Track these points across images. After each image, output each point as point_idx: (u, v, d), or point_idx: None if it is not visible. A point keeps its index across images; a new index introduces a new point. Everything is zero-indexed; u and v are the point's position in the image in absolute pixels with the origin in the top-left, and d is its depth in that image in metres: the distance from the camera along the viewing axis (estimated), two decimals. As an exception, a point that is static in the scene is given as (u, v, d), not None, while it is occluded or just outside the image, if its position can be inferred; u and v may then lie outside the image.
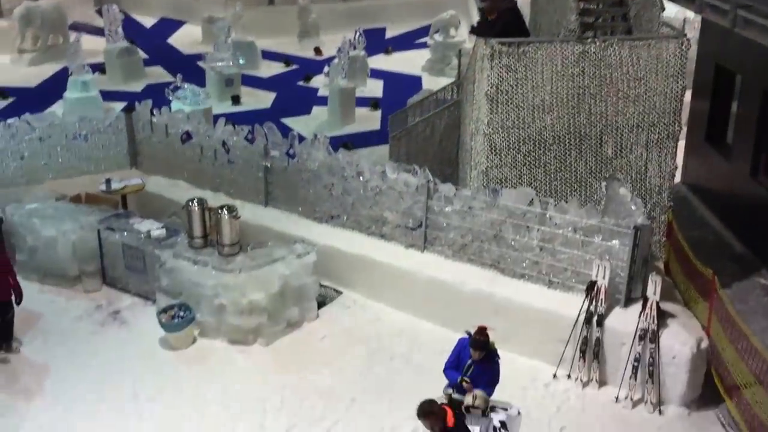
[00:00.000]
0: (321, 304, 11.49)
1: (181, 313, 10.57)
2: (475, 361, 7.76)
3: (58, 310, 11.45)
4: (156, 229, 11.74)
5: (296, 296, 10.99)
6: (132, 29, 24.09)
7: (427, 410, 6.77)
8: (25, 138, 13.56)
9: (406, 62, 22.75)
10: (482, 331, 7.80)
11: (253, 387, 9.73)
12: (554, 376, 9.95)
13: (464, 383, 7.73)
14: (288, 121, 17.59)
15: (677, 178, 12.10)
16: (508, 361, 8.78)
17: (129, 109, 14.75)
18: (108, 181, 13.36)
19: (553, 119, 11.06)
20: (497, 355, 7.87)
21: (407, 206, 11.44)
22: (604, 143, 11.30)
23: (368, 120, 18.38)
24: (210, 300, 10.59)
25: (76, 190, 13.23)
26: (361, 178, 11.79)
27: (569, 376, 9.90)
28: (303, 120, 18.36)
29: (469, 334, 7.85)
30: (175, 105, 16.77)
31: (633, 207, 10.06)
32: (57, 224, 11.96)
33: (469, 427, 7.14)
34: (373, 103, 19.44)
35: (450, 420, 6.76)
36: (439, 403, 7.45)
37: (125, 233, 11.78)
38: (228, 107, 19.00)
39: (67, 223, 12.02)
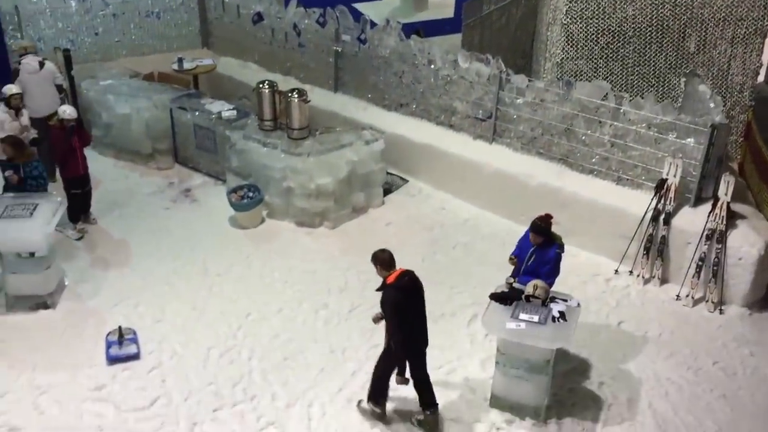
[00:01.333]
0: (387, 192, 11.62)
1: (250, 194, 10.82)
2: (536, 250, 7.84)
3: (133, 186, 11.85)
4: (227, 110, 11.88)
5: (363, 182, 11.12)
6: None
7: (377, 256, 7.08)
8: (99, 14, 13.71)
9: (482, -53, 21.85)
10: (545, 218, 7.85)
11: (318, 267, 10.01)
12: (616, 271, 9.95)
13: (510, 260, 8.01)
14: (360, 6, 17.25)
15: (761, 77, 11.56)
16: (571, 255, 8.81)
17: (201, -12, 14.70)
18: (180, 61, 13.48)
19: (635, 10, 10.62)
20: (559, 248, 7.90)
21: (478, 96, 11.28)
22: (686, 37, 10.85)
23: (441, 7, 17.89)
24: (278, 182, 10.78)
25: (148, 68, 13.39)
26: (432, 66, 11.62)
27: (631, 273, 9.89)
28: (375, 5, 17.97)
29: None
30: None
31: (712, 105, 9.71)
32: (131, 102, 12.20)
33: (527, 315, 7.27)
34: (446, -11, 18.86)
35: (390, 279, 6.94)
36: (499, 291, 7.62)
37: (197, 113, 11.96)
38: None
39: (141, 100, 12.25)
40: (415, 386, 7.40)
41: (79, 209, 10.57)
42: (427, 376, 7.40)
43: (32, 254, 8.91)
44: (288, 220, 10.94)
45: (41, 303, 9.08)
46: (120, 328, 8.50)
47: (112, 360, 8.29)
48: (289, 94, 10.90)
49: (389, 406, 7.66)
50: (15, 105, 10.36)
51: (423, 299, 7.18)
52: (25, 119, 10.54)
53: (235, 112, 11.85)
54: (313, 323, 9.03)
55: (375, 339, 8.35)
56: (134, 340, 8.49)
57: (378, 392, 7.53)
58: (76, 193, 10.41)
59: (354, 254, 10.05)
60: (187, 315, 9.06)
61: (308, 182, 10.63)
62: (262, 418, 7.63)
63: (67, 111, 10.08)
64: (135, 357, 8.35)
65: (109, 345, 8.41)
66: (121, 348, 8.38)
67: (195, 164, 12.28)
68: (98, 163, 11.81)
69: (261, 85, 11.18)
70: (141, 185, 11.89)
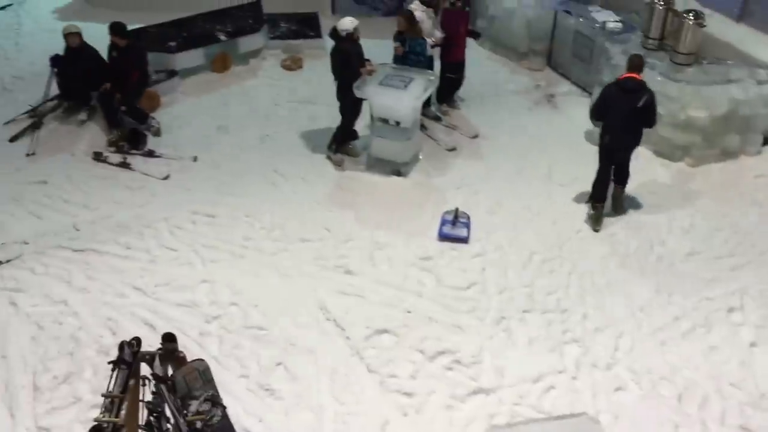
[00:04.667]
0: (767, 140, 10.41)
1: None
2: None
3: (500, 81, 12.06)
4: (613, 21, 11.40)
5: (742, 125, 10.06)
6: None
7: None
8: None
9: None
10: None
11: (663, 203, 9.42)
12: None
13: None
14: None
15: None
16: None
17: None
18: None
19: None
20: None
21: None
22: None
23: None
24: (647, 105, 10.20)
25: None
26: None
27: None
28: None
29: None
30: None
31: None
32: (519, -2, 12.27)
33: None
34: None
35: None
36: None
37: (581, 19, 11.65)
38: None
39: (529, -2, 12.25)
40: None
41: (448, 93, 11.03)
42: None
43: (398, 123, 9.57)
44: (646, 146, 10.36)
45: (396, 170, 9.79)
46: (457, 209, 8.87)
47: (443, 237, 8.73)
48: (684, 15, 10.10)
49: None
50: (435, 4, 10.57)
51: None
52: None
53: (620, 24, 11.34)
54: (645, 257, 8.60)
55: (708, 291, 7.79)
56: (467, 225, 8.83)
57: None
58: (451, 77, 10.83)
59: (708, 198, 9.27)
60: (520, 214, 9.17)
61: (679, 111, 9.90)
62: (567, 333, 7.56)
63: None
64: (464, 240, 8.70)
65: (443, 222, 8.85)
66: (453, 228, 8.77)
67: (566, 71, 12.09)
68: (473, 53, 12.13)
69: (656, 0, 10.48)
70: (508, 81, 12.05)
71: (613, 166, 8.94)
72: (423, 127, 10.45)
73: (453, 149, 10.35)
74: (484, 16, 12.65)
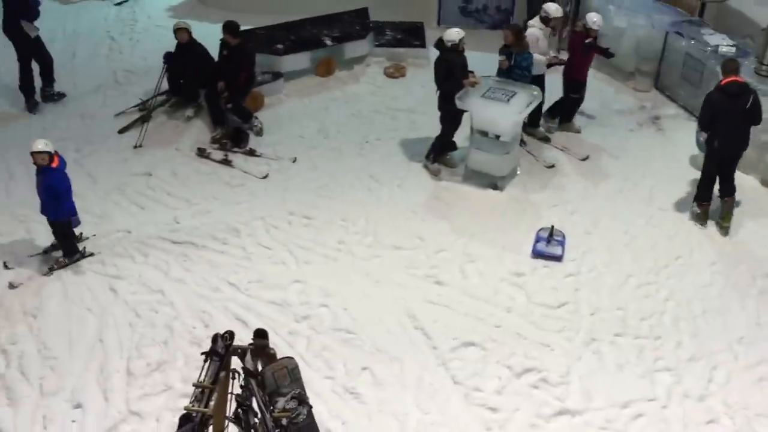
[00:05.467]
0: None
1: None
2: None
3: (605, 100, 11.78)
4: (726, 45, 11.01)
5: None
6: None
7: None
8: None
9: None
10: None
11: (763, 234, 9.05)
12: None
13: None
14: None
15: None
16: None
17: None
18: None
19: None
20: None
21: None
22: None
23: None
24: (755, 132, 9.77)
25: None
26: None
27: None
28: None
29: None
30: None
31: None
32: (630, 16, 11.98)
33: None
34: None
35: None
36: None
37: (692, 42, 11.30)
38: None
39: (640, 17, 11.95)
40: None
41: (569, 112, 10.85)
42: None
43: (498, 137, 9.49)
44: (754, 176, 9.96)
45: (492, 183, 9.71)
46: (552, 227, 8.73)
47: (537, 254, 8.60)
48: (804, 41, 9.67)
49: None
50: (554, 25, 10.41)
51: None
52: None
53: (734, 48, 10.93)
54: (747, 288, 8.24)
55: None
56: (561, 243, 8.68)
57: None
58: (574, 97, 10.67)
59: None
60: (617, 237, 8.95)
61: (792, 142, 9.48)
62: (659, 360, 7.33)
63: (596, 21, 10.13)
64: (557, 258, 8.55)
65: (538, 239, 8.72)
66: (548, 246, 8.64)
67: (673, 93, 11.75)
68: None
69: (775, 26, 10.08)
70: (613, 101, 11.78)
71: (717, 177, 9.01)
72: (522, 142, 10.33)
73: (552, 166, 10.19)
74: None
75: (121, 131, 10.86)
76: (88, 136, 10.68)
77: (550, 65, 10.34)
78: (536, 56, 9.95)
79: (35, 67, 11.25)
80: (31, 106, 11.27)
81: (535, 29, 10.17)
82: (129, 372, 7.11)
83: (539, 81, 10.15)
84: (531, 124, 10.70)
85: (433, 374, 7.09)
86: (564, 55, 11.01)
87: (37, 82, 11.35)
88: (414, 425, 6.58)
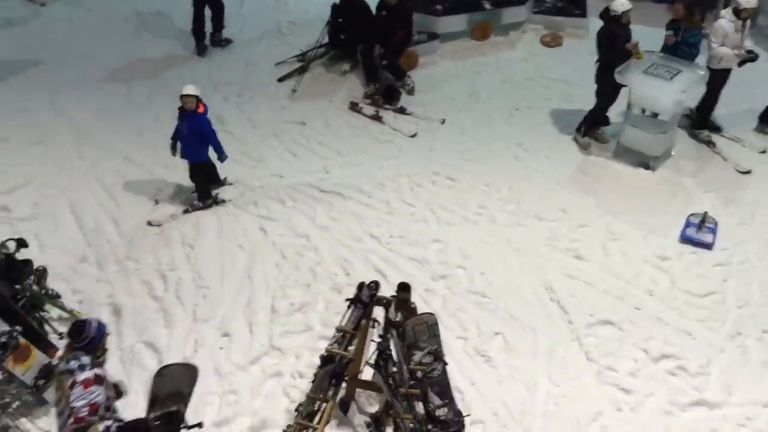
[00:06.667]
0: None
1: None
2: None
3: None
4: None
5: None
6: None
7: None
8: None
9: None
10: None
11: None
12: None
13: None
14: None
15: None
16: None
17: None
18: None
19: None
20: None
21: None
22: None
23: None
24: None
25: None
26: None
27: None
28: None
29: None
30: None
31: None
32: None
33: None
34: None
35: None
36: None
37: None
38: None
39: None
40: None
41: None
42: None
43: (655, 115, 9.17)
44: None
45: (644, 162, 9.41)
46: (705, 213, 8.40)
47: (685, 239, 8.32)
48: None
49: None
50: (745, 17, 9.38)
51: None
52: None
53: None
54: None
55: None
56: (713, 231, 8.35)
57: None
58: None
59: None
60: (776, 231, 8.53)
61: None
62: (810, 363, 6.99)
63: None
64: (707, 246, 8.24)
65: (688, 224, 8.42)
66: (698, 232, 8.33)
67: None
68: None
69: None
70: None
71: None
72: (711, 143, 9.84)
73: (747, 172, 9.43)
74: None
75: (281, 80, 11.25)
76: (250, 83, 11.15)
77: (741, 63, 9.46)
78: (724, 50, 9.25)
79: (207, 13, 11.80)
80: (201, 50, 11.88)
81: (724, 20, 9.35)
82: (273, 309, 7.47)
83: (722, 77, 9.51)
84: (698, 124, 9.99)
85: (567, 348, 7.06)
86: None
87: (208, 27, 11.92)
88: (543, 395, 6.60)
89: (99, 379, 4.91)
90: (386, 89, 10.85)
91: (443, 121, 10.35)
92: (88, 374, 4.90)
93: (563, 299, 7.58)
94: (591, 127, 9.85)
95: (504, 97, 10.90)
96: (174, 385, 5.41)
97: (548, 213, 8.73)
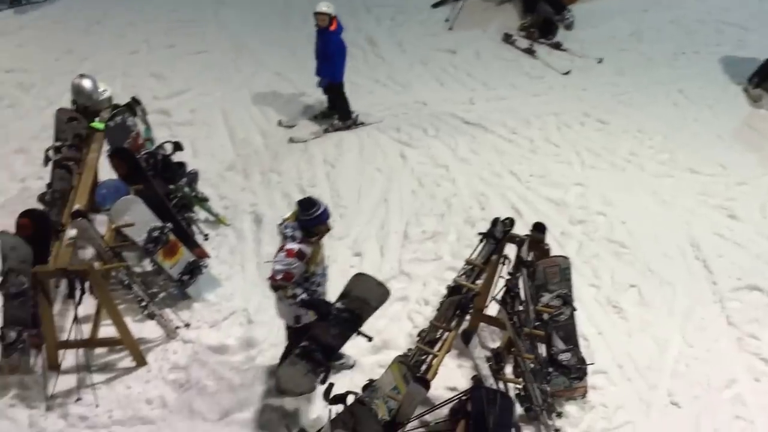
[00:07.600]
0: None
1: None
2: None
3: None
4: None
5: None
6: None
7: None
8: None
9: None
10: None
11: None
12: None
13: None
14: None
15: None
16: None
17: None
18: None
19: None
20: None
21: None
22: None
23: None
24: None
25: None
26: None
27: None
28: None
29: None
30: None
31: None
32: None
33: None
34: None
35: None
36: None
37: None
38: None
39: None
40: None
41: None
42: None
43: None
44: None
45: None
46: None
47: None
48: None
49: None
50: None
51: None
52: None
53: None
54: None
55: None
56: None
57: None
58: None
59: None
60: None
61: None
62: None
63: None
64: None
65: None
66: None
67: None
68: None
69: None
70: None
71: None
72: None
73: None
74: None
75: (435, 5, 11.07)
76: (404, 7, 11.06)
77: None
78: None
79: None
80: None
81: None
82: (406, 235, 7.49)
83: None
84: None
85: (707, 309, 6.69)
86: None
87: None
88: (675, 354, 6.30)
89: (301, 255, 5.20)
90: (543, 22, 10.44)
91: (600, 61, 9.88)
92: (293, 246, 5.20)
93: (709, 258, 7.16)
94: (766, 78, 9.10)
95: (669, 39, 10.24)
96: (365, 294, 5.59)
97: (704, 167, 8.22)
